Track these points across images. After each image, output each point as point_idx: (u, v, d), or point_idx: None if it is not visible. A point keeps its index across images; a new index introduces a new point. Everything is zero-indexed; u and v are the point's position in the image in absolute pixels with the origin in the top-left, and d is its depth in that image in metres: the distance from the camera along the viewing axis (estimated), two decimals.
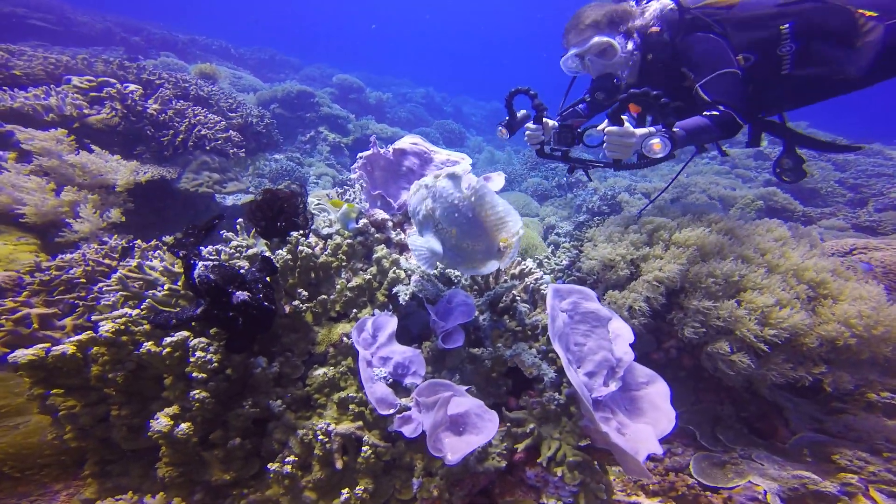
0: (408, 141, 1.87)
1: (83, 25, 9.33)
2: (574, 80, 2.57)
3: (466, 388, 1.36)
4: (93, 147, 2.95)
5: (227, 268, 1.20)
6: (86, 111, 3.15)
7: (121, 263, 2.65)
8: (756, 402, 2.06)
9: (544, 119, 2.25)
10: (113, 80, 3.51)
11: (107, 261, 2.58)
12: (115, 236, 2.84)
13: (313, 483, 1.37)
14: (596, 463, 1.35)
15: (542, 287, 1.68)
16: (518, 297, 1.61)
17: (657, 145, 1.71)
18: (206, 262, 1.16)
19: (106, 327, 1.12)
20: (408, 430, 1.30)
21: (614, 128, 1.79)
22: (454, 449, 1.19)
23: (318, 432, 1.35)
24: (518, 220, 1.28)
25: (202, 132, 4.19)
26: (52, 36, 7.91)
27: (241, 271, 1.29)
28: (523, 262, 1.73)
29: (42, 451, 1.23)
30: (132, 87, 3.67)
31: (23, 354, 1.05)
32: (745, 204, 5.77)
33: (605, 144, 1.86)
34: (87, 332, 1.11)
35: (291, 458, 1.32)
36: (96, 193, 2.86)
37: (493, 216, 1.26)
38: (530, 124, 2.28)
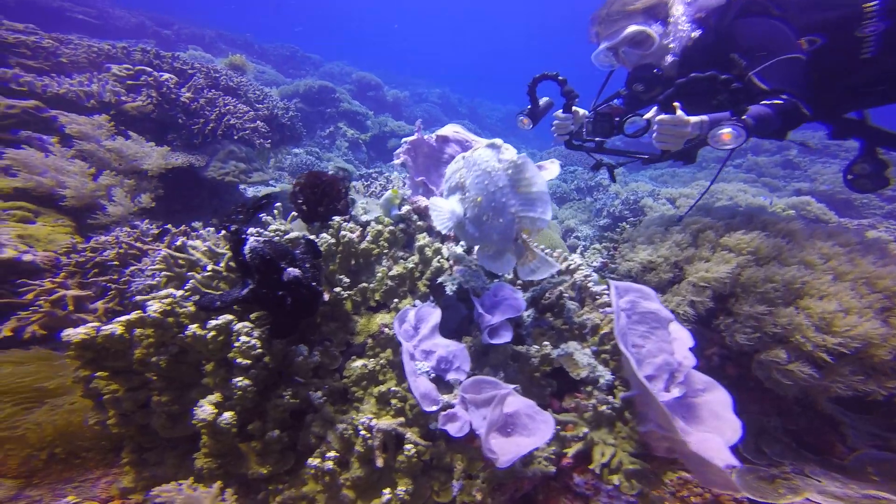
0: (450, 129, 1.82)
1: (119, 19, 9.67)
2: (612, 73, 2.44)
3: (513, 386, 1.29)
4: (130, 133, 2.97)
5: (279, 244, 1.16)
6: (123, 98, 3.19)
7: (150, 247, 2.67)
8: (807, 415, 1.94)
9: (574, 107, 2.14)
10: (149, 69, 3.56)
11: (138, 244, 2.59)
12: (147, 220, 2.86)
13: (352, 481, 1.32)
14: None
15: (589, 284, 1.60)
16: (565, 294, 1.53)
17: (727, 135, 1.55)
18: (257, 237, 1.12)
19: (154, 307, 1.09)
20: (453, 429, 1.24)
21: (666, 115, 1.68)
22: (504, 451, 1.12)
23: (361, 427, 1.30)
24: (548, 210, 1.21)
25: (231, 121, 4.21)
26: (93, 29, 8.29)
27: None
28: (570, 258, 1.65)
29: (84, 435, 1.21)
30: (166, 75, 3.71)
31: (75, 333, 1.02)
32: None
33: (654, 134, 1.75)
34: (137, 312, 1.08)
35: (332, 453, 1.27)
36: (132, 178, 2.88)
37: (524, 194, 1.20)
38: (559, 112, 2.16)
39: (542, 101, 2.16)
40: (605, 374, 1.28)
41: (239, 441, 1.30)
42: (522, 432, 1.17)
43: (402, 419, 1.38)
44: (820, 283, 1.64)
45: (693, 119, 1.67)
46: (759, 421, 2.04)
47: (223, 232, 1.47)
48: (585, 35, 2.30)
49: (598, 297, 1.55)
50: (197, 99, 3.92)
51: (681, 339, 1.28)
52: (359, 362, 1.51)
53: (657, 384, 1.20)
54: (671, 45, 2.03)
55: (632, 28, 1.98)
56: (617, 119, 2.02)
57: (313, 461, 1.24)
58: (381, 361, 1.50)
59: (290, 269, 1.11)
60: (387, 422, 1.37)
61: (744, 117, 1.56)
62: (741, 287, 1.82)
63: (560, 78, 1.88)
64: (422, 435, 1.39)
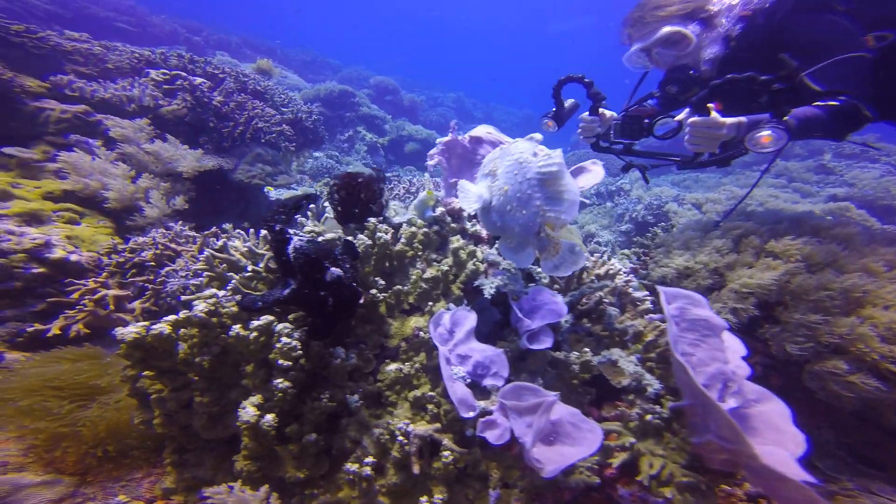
0: (483, 130, 1.80)
1: (155, 27, 10.18)
2: (645, 75, 2.37)
3: (556, 393, 1.25)
4: (167, 136, 3.08)
5: (322, 244, 1.16)
6: (161, 101, 3.31)
7: (184, 248, 2.74)
8: (864, 428, 1.81)
9: (601, 109, 2.07)
10: (183, 74, 3.68)
11: (173, 245, 2.67)
12: (180, 222, 2.94)
13: (387, 488, 1.30)
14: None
15: (630, 290, 1.54)
16: (605, 300, 1.48)
17: (766, 138, 1.49)
18: (300, 237, 1.12)
19: (200, 307, 1.10)
20: (492, 436, 1.21)
21: (699, 118, 1.61)
22: (548, 460, 1.08)
23: (398, 433, 1.28)
24: (572, 210, 1.18)
25: (259, 125, 4.31)
26: (133, 36, 8.81)
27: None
28: (609, 262, 1.60)
29: (131, 434, 1.24)
30: (199, 80, 3.83)
31: (128, 332, 1.05)
32: None
33: (686, 137, 1.68)
34: (184, 312, 1.10)
35: (370, 458, 1.25)
36: (168, 181, 2.98)
37: (551, 190, 1.17)
38: (585, 115, 2.09)
39: (568, 102, 2.11)
40: (653, 383, 1.23)
41: (275, 444, 1.31)
42: (566, 441, 1.13)
43: (437, 425, 1.36)
44: (886, 292, 1.53)
45: (729, 120, 1.59)
46: (810, 433, 1.93)
47: (263, 232, 1.49)
48: (602, 40, 2.22)
49: (639, 302, 1.49)
50: (227, 102, 4.03)
51: (732, 347, 1.22)
52: (393, 366, 1.50)
53: (710, 394, 1.14)
54: (710, 45, 1.95)
55: (667, 28, 1.90)
56: (647, 121, 1.95)
57: (352, 466, 1.23)
58: (416, 365, 1.48)
59: (334, 269, 1.11)
60: (423, 427, 1.35)
61: (785, 118, 1.48)
62: (790, 295, 1.73)
63: (586, 80, 1.83)
64: (456, 441, 1.37)
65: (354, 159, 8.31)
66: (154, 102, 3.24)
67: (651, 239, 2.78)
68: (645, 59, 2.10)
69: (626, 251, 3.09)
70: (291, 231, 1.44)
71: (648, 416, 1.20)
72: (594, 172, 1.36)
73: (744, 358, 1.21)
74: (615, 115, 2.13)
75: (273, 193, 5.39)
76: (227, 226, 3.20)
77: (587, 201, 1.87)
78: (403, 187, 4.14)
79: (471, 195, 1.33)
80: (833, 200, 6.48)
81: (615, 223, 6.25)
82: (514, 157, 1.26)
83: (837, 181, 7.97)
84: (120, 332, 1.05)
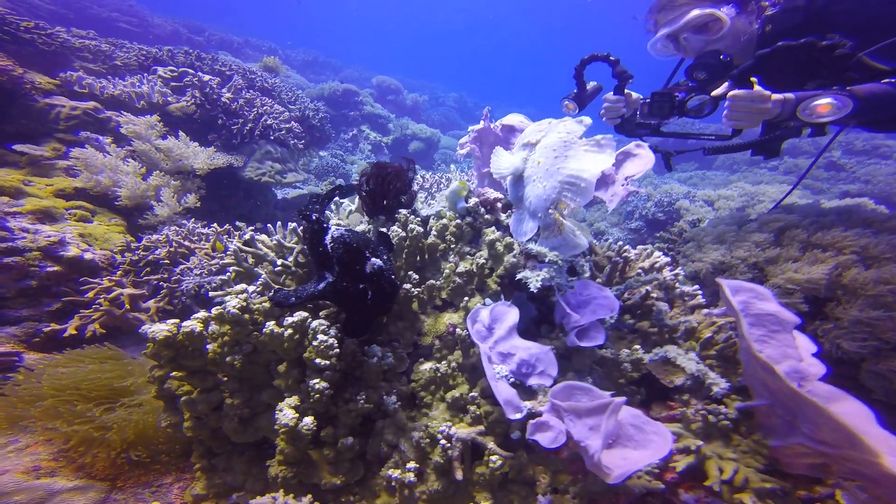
0: (515, 118, 1.72)
1: (157, 27, 10.14)
2: (681, 63, 2.26)
3: (610, 393, 1.17)
4: (179, 133, 3.01)
5: (361, 234, 1.08)
6: (169, 98, 3.24)
7: (197, 246, 2.67)
8: None
9: (626, 90, 1.95)
10: (192, 71, 3.61)
11: (186, 242, 2.60)
12: (192, 219, 2.87)
13: (428, 495, 1.22)
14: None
15: (677, 284, 1.46)
16: (653, 295, 1.40)
17: (825, 106, 1.36)
18: (338, 226, 1.05)
19: (233, 303, 1.02)
20: (545, 439, 1.13)
21: (741, 90, 1.50)
22: (612, 464, 1.00)
23: (440, 436, 1.20)
24: (588, 194, 1.19)
25: (268, 122, 4.24)
26: (135, 36, 8.81)
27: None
28: (654, 254, 1.52)
29: (159, 438, 1.16)
30: (207, 76, 3.77)
31: (159, 329, 0.97)
32: None
33: (725, 112, 1.57)
34: (217, 308, 1.02)
35: (412, 464, 1.17)
36: (178, 179, 2.91)
37: (575, 171, 1.18)
38: (609, 95, 1.98)
39: (590, 85, 2.01)
40: (719, 382, 1.14)
41: (309, 448, 1.23)
42: (628, 444, 1.04)
43: (480, 427, 1.28)
44: None
45: (776, 95, 1.48)
46: None
47: (291, 225, 1.41)
48: (605, 38, 2.13)
49: (689, 297, 1.41)
50: (237, 99, 3.96)
51: (801, 344, 1.13)
52: (427, 365, 1.42)
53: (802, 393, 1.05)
54: (744, 29, 1.85)
55: (696, 11, 1.79)
56: (678, 96, 1.85)
57: (394, 472, 1.15)
58: (452, 364, 1.40)
59: (374, 260, 1.03)
60: (465, 430, 1.26)
61: (848, 87, 1.36)
62: (843, 290, 1.64)
63: (612, 58, 1.73)
64: (499, 444, 1.29)
65: (359, 158, 8.25)
66: (163, 99, 3.18)
67: (678, 234, 2.69)
68: (671, 46, 1.99)
69: (644, 247, 3.00)
70: (330, 221, 1.37)
71: (712, 418, 1.11)
72: (643, 157, 1.28)
73: (815, 355, 1.12)
74: (641, 96, 2.04)
75: (280, 195, 5.30)
76: (241, 223, 3.13)
77: (641, 190, 1.80)
78: (418, 183, 4.07)
79: (503, 161, 1.37)
80: (846, 196, 6.38)
81: (624, 221, 6.17)
82: (559, 133, 1.24)
83: (849, 178, 7.86)
84: (150, 330, 0.97)
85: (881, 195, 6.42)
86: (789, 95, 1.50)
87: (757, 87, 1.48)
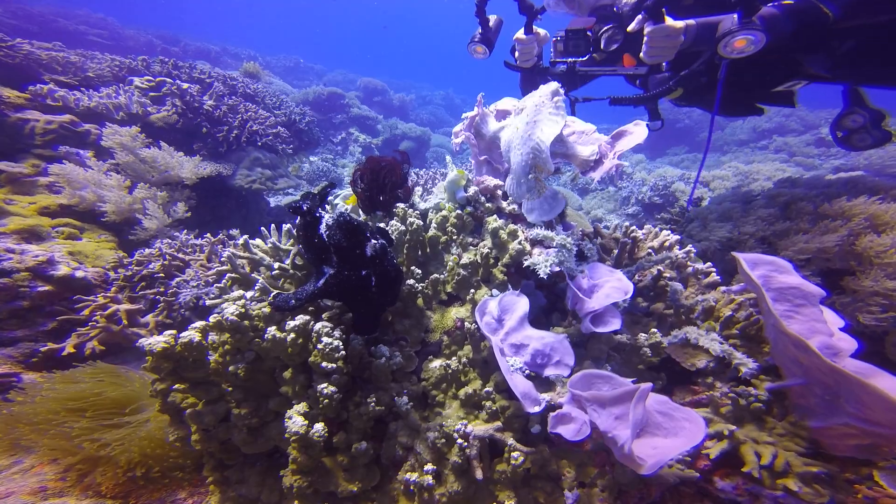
0: (509, 102, 1.66)
1: (129, 39, 9.92)
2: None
3: (631, 380, 1.12)
4: (161, 143, 2.92)
5: (357, 219, 1.02)
6: (149, 108, 3.14)
7: (192, 258, 2.59)
8: None
9: (534, 28, 1.84)
10: (169, 80, 3.51)
11: (181, 255, 2.52)
12: (185, 231, 2.79)
13: (448, 497, 1.17)
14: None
15: (689, 262, 1.41)
16: (666, 275, 1.35)
17: (741, 41, 1.34)
18: (332, 214, 0.99)
19: (231, 310, 0.96)
20: (568, 432, 1.08)
21: (656, 25, 1.47)
22: (644, 455, 0.95)
23: (456, 435, 1.15)
24: (543, 158, 1.24)
25: (254, 127, 4.15)
26: (107, 49, 8.54)
27: None
28: (662, 232, 1.47)
29: (168, 453, 1.10)
30: (187, 84, 3.67)
31: (156, 342, 0.91)
32: None
33: (644, 48, 1.54)
34: (214, 317, 0.96)
35: (430, 465, 1.12)
36: (164, 190, 2.82)
37: (540, 136, 1.22)
38: (520, 34, 1.88)
39: (492, 19, 1.89)
40: (747, 363, 1.10)
41: (322, 455, 1.17)
42: (657, 433, 0.99)
43: (497, 423, 1.23)
44: None
45: (679, 24, 1.47)
46: None
47: (285, 227, 1.35)
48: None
49: (703, 275, 1.36)
50: (219, 106, 3.87)
51: (829, 319, 1.09)
52: (437, 362, 1.36)
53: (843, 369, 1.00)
54: None
55: None
56: (589, 33, 1.75)
57: (411, 476, 1.10)
58: (463, 360, 1.35)
59: (374, 241, 0.97)
60: (482, 427, 1.21)
61: (752, 18, 1.33)
62: (858, 260, 1.60)
63: None
64: (519, 440, 1.24)
65: (350, 161, 8.16)
66: (143, 110, 3.08)
67: (680, 214, 2.66)
68: (563, 4, 1.92)
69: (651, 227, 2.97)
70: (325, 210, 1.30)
71: (742, 401, 1.06)
72: (636, 133, 1.25)
73: (842, 329, 1.07)
74: (548, 34, 1.94)
75: (272, 201, 5.21)
76: (235, 231, 3.05)
77: (625, 163, 1.73)
78: (412, 180, 4.00)
79: (493, 126, 1.48)
80: (838, 171, 6.40)
81: (621, 206, 6.15)
82: (534, 100, 1.29)
83: (839, 153, 7.88)
84: (147, 342, 0.91)
85: (871, 168, 6.43)
86: (690, 22, 1.49)
87: (668, 20, 1.47)
